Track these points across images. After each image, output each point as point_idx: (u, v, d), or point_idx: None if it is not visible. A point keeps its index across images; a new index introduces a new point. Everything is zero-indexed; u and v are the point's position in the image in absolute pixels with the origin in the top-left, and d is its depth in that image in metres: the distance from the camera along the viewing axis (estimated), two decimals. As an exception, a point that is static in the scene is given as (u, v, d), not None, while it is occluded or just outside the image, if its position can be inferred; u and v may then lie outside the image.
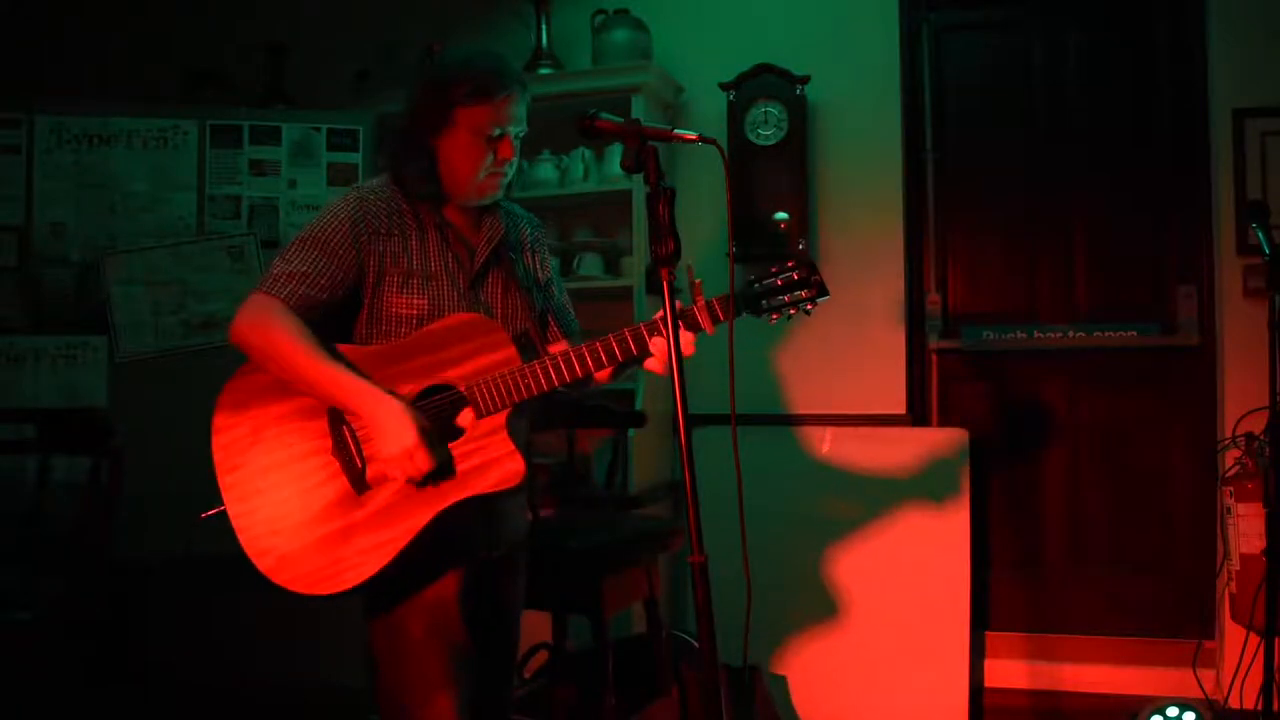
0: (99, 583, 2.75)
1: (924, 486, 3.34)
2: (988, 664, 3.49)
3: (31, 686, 2.65)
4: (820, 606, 3.35)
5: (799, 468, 3.43)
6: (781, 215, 3.44)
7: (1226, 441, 3.15)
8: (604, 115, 1.72)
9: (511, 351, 1.81)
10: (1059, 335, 3.51)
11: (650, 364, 1.82)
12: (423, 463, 1.72)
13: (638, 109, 3.46)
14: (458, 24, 3.93)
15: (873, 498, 3.38)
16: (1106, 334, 3.46)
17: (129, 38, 4.11)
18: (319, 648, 3.22)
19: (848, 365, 3.59)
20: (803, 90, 3.50)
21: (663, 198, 1.62)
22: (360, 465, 1.77)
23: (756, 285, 1.81)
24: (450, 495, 1.76)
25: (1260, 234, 2.59)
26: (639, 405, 3.35)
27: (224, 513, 1.78)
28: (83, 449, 2.83)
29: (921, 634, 3.26)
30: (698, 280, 1.77)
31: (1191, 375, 3.43)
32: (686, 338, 1.76)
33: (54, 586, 2.69)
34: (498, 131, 1.84)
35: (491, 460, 1.77)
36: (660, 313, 1.72)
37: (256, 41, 3.87)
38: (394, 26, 3.98)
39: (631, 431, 3.23)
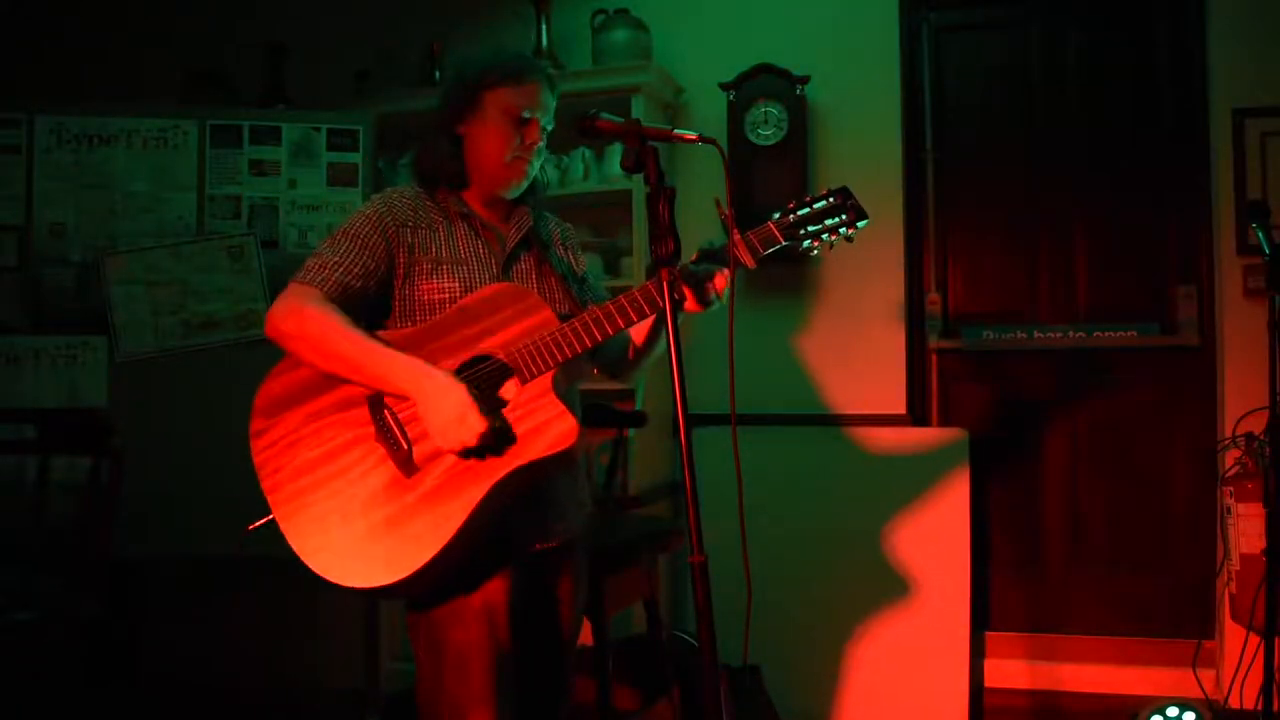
0: (99, 583, 2.75)
1: (924, 486, 3.34)
2: (988, 664, 3.49)
3: (31, 686, 2.65)
4: (820, 606, 3.35)
5: (799, 468, 3.43)
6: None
7: (1226, 441, 3.15)
8: (604, 115, 1.72)
9: (547, 313, 1.77)
10: (1059, 335, 3.51)
11: (689, 305, 1.80)
12: (476, 424, 1.66)
13: (638, 109, 3.46)
14: (458, 24, 3.93)
15: (873, 498, 3.38)
16: (1106, 334, 3.46)
17: (129, 38, 4.11)
18: (319, 648, 3.22)
19: (848, 365, 3.59)
20: (803, 90, 3.50)
21: (663, 198, 1.61)
22: (406, 447, 1.72)
23: (793, 214, 1.80)
24: (505, 464, 1.70)
25: (1260, 234, 2.59)
26: (639, 405, 3.35)
27: (272, 521, 1.72)
28: (83, 449, 2.82)
29: (921, 634, 3.26)
30: (728, 211, 1.73)
31: (1191, 375, 3.43)
32: (720, 276, 1.77)
33: (54, 586, 2.69)
34: (525, 115, 1.86)
35: (542, 424, 1.71)
36: (696, 255, 1.80)
37: (256, 41, 3.87)
38: (394, 26, 3.98)
39: (631, 431, 3.23)
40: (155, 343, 3.17)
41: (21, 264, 3.18)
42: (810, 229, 1.80)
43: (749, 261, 1.78)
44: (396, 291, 1.85)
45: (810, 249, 1.82)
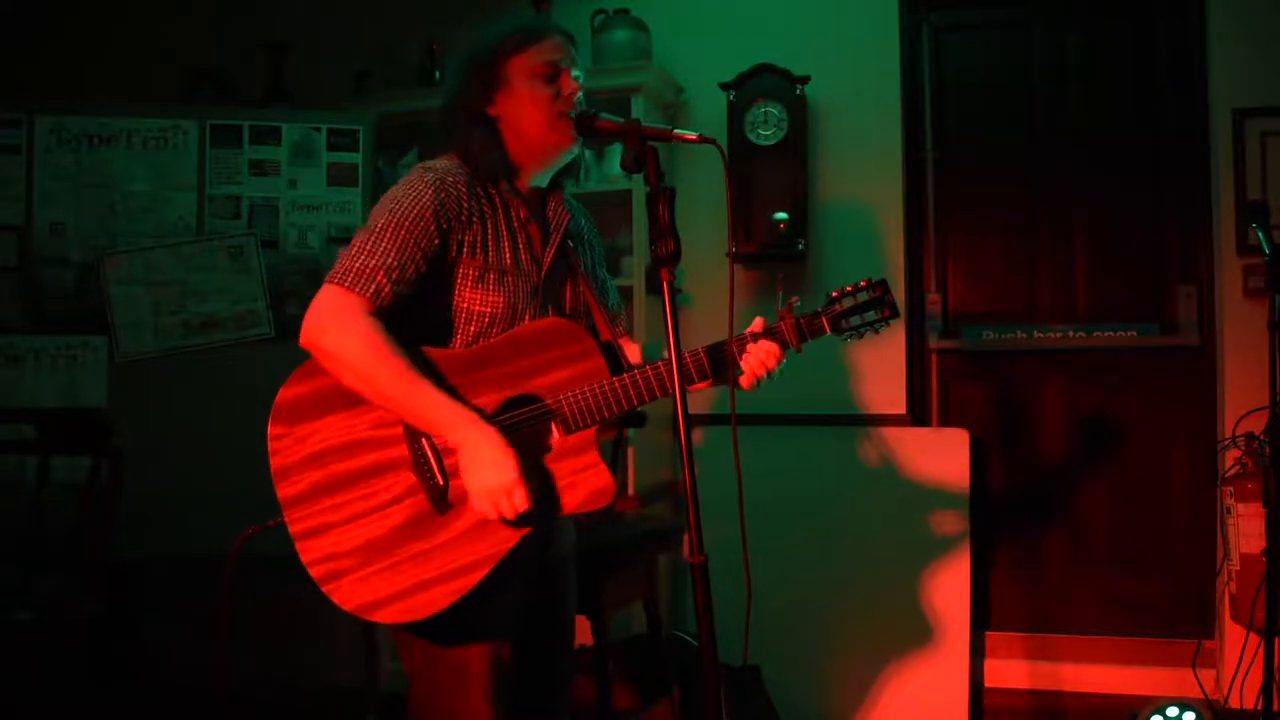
0: (99, 583, 2.75)
1: (924, 486, 3.34)
2: (988, 664, 3.48)
3: (31, 686, 2.65)
4: (820, 606, 3.35)
5: (799, 468, 3.43)
6: (781, 215, 3.44)
7: (1226, 441, 3.15)
8: (604, 115, 1.72)
9: (600, 363, 1.72)
10: (1059, 335, 3.51)
11: (743, 380, 1.78)
12: (521, 502, 1.60)
13: (638, 109, 3.46)
14: (458, 24, 3.92)
15: (873, 498, 3.38)
16: (1106, 334, 3.46)
17: (129, 38, 4.11)
18: (319, 648, 3.22)
19: (848, 365, 3.59)
20: (803, 90, 3.49)
21: (663, 198, 1.60)
22: (442, 483, 1.65)
23: (838, 304, 1.80)
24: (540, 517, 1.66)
25: (1260, 234, 2.59)
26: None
27: (280, 526, 1.65)
28: (83, 449, 2.83)
29: (921, 634, 3.27)
30: (794, 299, 1.81)
31: (1191, 375, 3.43)
32: (773, 352, 1.78)
33: (54, 586, 2.69)
34: (554, 69, 1.75)
35: (579, 480, 1.68)
36: (755, 324, 1.79)
37: (256, 41, 3.87)
38: (394, 26, 3.98)
39: (632, 431, 3.23)
40: (155, 343, 3.17)
41: (21, 264, 3.17)
42: (853, 321, 1.81)
43: (796, 345, 1.81)
44: (433, 289, 1.73)
45: (847, 339, 1.85)
